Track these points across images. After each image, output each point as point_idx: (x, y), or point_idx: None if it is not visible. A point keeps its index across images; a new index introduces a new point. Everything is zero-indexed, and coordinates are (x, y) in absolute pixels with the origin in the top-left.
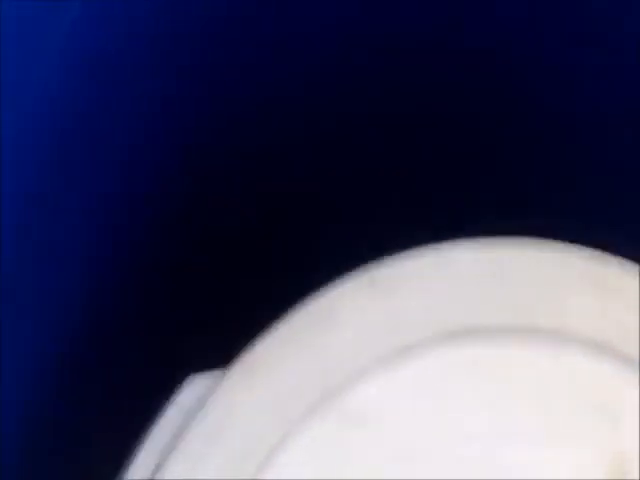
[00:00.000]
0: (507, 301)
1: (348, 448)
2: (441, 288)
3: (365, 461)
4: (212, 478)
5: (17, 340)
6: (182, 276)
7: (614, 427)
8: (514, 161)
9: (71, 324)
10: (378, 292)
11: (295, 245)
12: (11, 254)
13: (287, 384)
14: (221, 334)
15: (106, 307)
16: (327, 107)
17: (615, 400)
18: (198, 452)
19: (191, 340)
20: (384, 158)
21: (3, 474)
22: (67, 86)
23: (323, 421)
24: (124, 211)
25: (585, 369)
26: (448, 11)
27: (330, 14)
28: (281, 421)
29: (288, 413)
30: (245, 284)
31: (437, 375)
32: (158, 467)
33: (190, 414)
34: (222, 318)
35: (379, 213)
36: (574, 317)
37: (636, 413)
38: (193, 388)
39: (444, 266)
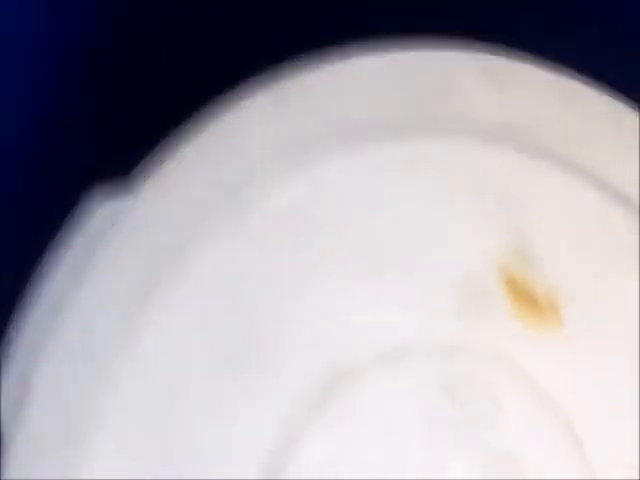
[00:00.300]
0: (406, 99)
1: (260, 256)
2: (343, 93)
3: (289, 262)
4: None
5: None
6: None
7: (515, 210)
8: None
9: None
10: (282, 101)
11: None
12: None
13: (198, 197)
14: (126, 141)
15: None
16: None
17: (516, 184)
18: (105, 271)
19: (96, 148)
20: None
21: None
22: None
23: (239, 228)
24: None
25: (485, 157)
26: None
27: None
28: (197, 231)
29: (203, 225)
30: (153, 86)
31: (344, 177)
32: (65, 282)
33: (97, 233)
34: (128, 124)
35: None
36: (472, 108)
37: (537, 197)
38: (98, 202)
39: (346, 71)
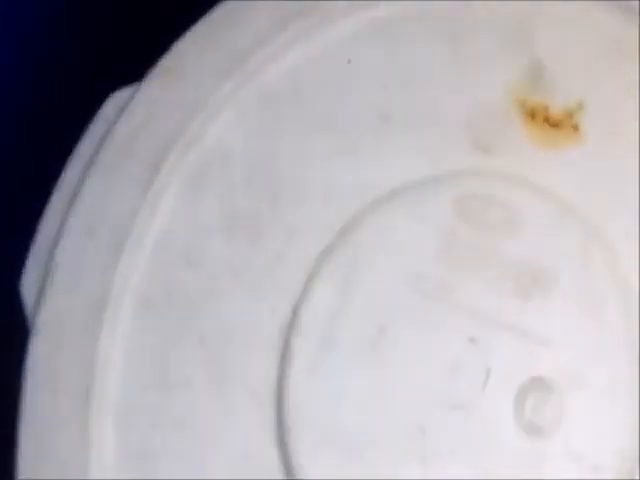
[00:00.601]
0: None
1: (272, 119)
2: None
3: (290, 130)
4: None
5: None
6: None
7: (529, 37)
8: None
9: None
10: None
11: None
12: None
13: (203, 78)
14: (146, 51)
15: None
16: None
17: (528, 12)
18: (122, 151)
19: (116, 60)
20: None
21: None
22: None
23: (243, 99)
24: None
25: None
26: None
27: None
28: (205, 105)
29: (207, 100)
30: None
31: (349, 40)
32: (85, 168)
33: (112, 122)
34: (146, 36)
35: None
36: None
37: (551, 22)
38: (116, 100)
39: None
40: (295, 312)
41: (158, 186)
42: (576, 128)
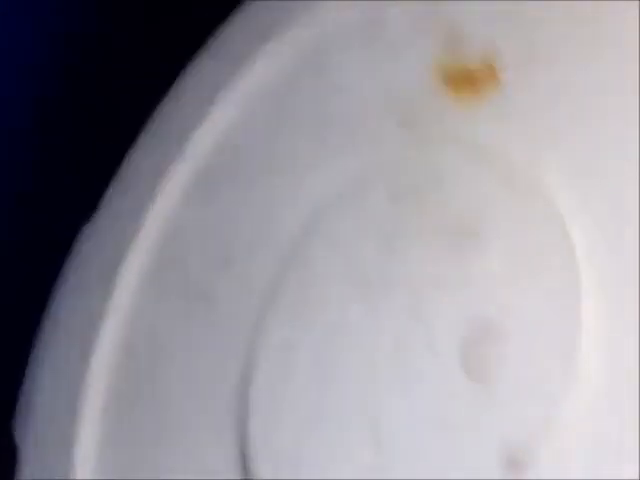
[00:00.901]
0: None
1: (212, 191)
2: None
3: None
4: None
5: None
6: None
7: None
8: None
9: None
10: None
11: None
12: None
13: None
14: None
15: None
16: None
17: None
18: (80, 270)
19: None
20: None
21: None
22: None
23: (184, 187)
24: None
25: None
26: None
27: None
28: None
29: (152, 191)
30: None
31: (274, 79)
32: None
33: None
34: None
35: None
36: None
37: None
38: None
39: None
40: (250, 355)
41: (117, 293)
42: (496, 76)
